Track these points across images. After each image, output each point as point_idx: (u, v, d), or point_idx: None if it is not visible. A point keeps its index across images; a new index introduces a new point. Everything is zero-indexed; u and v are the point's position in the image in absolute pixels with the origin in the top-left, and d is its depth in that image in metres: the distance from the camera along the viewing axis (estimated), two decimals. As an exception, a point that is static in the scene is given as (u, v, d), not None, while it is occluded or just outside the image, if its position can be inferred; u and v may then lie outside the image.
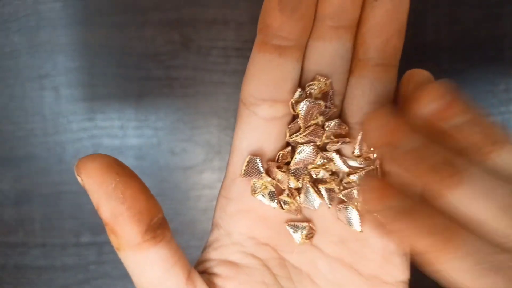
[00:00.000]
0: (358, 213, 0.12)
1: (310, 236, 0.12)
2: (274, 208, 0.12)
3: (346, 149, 0.13)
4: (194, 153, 0.40)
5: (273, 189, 0.12)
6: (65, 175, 0.40)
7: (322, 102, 0.12)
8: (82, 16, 0.39)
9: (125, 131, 0.39)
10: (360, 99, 0.12)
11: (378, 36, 0.11)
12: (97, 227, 0.40)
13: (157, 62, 0.39)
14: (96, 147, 0.40)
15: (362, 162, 0.12)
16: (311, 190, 0.11)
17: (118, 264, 0.42)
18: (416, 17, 0.39)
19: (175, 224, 0.40)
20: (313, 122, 0.11)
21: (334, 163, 0.12)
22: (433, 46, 0.39)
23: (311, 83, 0.12)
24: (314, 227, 0.13)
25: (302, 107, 0.11)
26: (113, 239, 0.13)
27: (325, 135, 0.12)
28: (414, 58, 0.39)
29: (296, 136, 0.11)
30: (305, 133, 0.11)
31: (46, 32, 0.39)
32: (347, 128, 0.12)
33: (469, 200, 0.11)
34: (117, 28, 0.39)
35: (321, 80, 0.11)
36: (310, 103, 0.11)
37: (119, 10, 0.39)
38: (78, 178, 0.12)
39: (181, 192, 0.40)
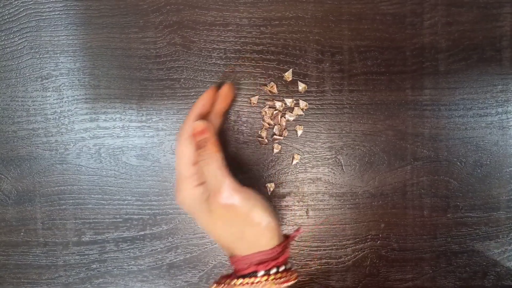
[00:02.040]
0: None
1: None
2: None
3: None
4: (195, 153, 0.40)
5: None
6: (67, 175, 0.40)
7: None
8: (83, 17, 0.39)
9: (127, 131, 0.40)
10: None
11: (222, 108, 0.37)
12: (99, 226, 0.40)
13: (159, 63, 0.39)
14: (98, 147, 0.40)
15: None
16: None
17: (119, 262, 0.42)
18: (414, 18, 0.39)
19: (176, 222, 0.40)
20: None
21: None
22: (430, 47, 0.39)
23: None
24: None
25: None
26: (212, 149, 0.31)
27: None
28: (412, 59, 0.40)
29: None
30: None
31: (47, 32, 0.39)
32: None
33: None
34: (118, 29, 0.39)
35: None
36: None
37: (120, 12, 0.39)
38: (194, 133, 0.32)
39: (182, 191, 0.40)
